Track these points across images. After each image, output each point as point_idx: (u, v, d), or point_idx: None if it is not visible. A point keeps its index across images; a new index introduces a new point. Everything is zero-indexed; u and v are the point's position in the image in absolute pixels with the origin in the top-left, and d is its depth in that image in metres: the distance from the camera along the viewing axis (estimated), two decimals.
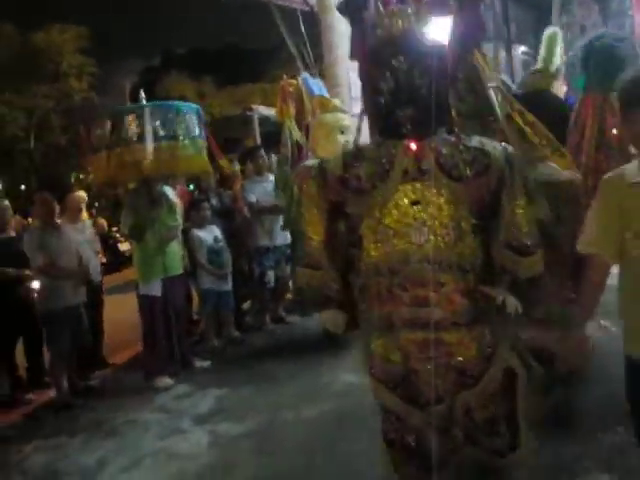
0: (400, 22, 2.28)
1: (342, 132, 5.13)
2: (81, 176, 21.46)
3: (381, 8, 2.39)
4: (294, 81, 6.04)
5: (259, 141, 11.75)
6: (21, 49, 18.00)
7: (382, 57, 2.25)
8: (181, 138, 4.88)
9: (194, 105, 5.48)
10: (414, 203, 2.19)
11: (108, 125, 4.80)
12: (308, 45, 9.12)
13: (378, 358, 2.33)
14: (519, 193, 2.23)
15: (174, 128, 4.82)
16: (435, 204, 2.18)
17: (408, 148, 2.23)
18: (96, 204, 16.30)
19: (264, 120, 11.93)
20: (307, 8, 9.94)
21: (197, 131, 5.14)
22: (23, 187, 21.67)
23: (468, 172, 2.19)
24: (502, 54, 13.32)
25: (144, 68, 43.99)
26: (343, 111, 5.69)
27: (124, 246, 15.09)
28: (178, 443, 4.08)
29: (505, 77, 4.39)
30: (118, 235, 16.14)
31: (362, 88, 2.45)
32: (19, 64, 17.73)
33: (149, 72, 39.47)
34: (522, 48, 13.68)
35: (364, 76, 2.40)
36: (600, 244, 2.03)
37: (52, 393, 5.28)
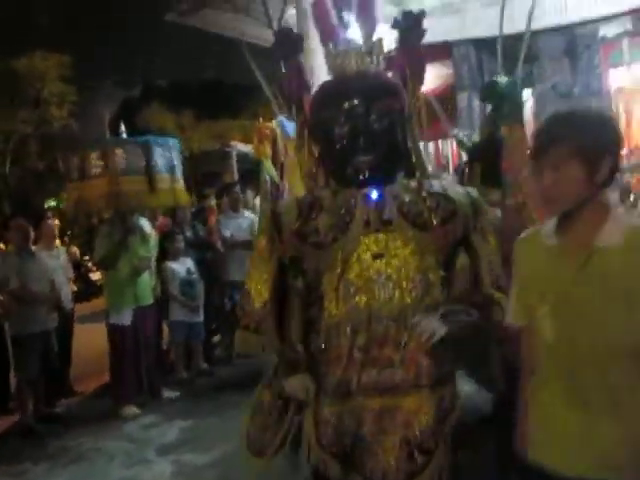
0: (353, 62, 2.16)
1: None
2: (53, 203, 21.37)
3: (331, 47, 2.24)
4: (270, 124, 6.23)
5: (237, 177, 11.95)
6: (3, 74, 18.12)
7: (335, 101, 2.09)
8: (159, 171, 5.03)
9: (172, 139, 5.65)
10: (377, 256, 2.04)
11: (91, 155, 4.91)
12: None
13: (329, 426, 2.09)
14: (490, 236, 2.15)
15: (154, 161, 4.96)
16: (400, 256, 2.03)
17: (368, 197, 2.09)
18: (69, 232, 16.24)
19: (242, 156, 12.16)
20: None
21: (175, 164, 5.28)
22: None
23: (434, 220, 2.06)
24: (476, 102, 13.75)
25: (124, 98, 44.12)
26: None
27: (95, 275, 15.02)
28: (143, 472, 4.12)
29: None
30: (90, 264, 16.06)
31: (313, 134, 2.28)
32: (0, 89, 17.84)
33: (129, 102, 39.58)
34: None
35: (315, 121, 2.22)
36: (516, 314, 1.79)
37: (17, 419, 5.27)
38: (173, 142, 5.46)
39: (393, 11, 9.13)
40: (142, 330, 5.27)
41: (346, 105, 2.07)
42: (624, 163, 8.76)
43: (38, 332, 5.18)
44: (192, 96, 34.73)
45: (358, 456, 2.08)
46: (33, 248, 5.53)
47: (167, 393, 5.62)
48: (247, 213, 6.65)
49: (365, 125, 2.05)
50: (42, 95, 18.70)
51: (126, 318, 5.14)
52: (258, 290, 2.20)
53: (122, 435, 4.83)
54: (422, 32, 2.30)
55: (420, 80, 2.32)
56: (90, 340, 6.60)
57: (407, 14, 2.28)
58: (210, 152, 14.84)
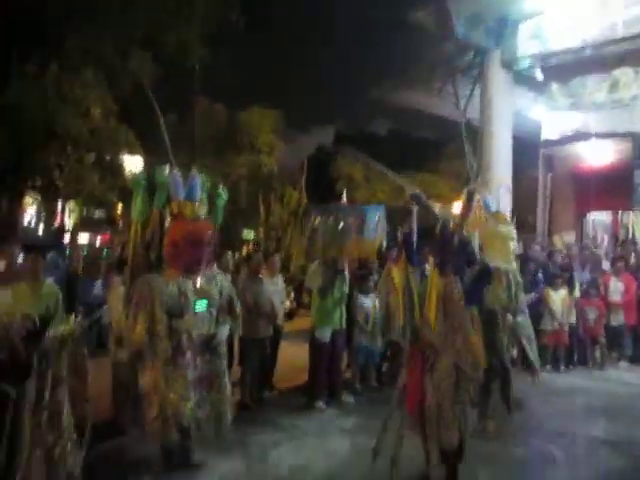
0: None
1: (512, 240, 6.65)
2: (251, 235, 24.33)
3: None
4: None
5: (415, 231, 13.57)
6: (226, 125, 21.73)
7: None
8: (364, 230, 6.91)
9: (378, 206, 7.51)
10: None
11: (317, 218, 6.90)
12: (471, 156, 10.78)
13: None
14: None
15: (363, 223, 6.85)
16: None
17: None
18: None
19: (424, 213, 13.75)
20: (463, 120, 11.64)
21: (378, 225, 7.14)
22: None
23: None
24: None
25: (317, 146, 47.73)
26: (510, 224, 7.18)
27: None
28: (329, 443, 5.84)
29: None
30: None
31: None
32: (223, 137, 21.40)
33: (321, 151, 42.86)
34: None
35: None
36: None
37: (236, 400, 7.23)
38: (380, 209, 7.31)
39: (565, 103, 10.42)
40: (335, 347, 7.07)
41: None
42: None
43: (260, 338, 7.15)
44: (379, 147, 37.21)
45: None
46: (260, 275, 7.56)
47: (345, 397, 7.31)
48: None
49: None
50: (256, 144, 21.99)
51: (326, 336, 6.97)
52: None
53: (312, 419, 6.59)
54: None
55: None
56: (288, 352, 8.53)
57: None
58: (396, 207, 16.61)
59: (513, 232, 6.57)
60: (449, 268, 4.19)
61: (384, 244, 7.35)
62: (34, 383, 3.22)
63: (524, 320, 6.62)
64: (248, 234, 25.09)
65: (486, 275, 4.57)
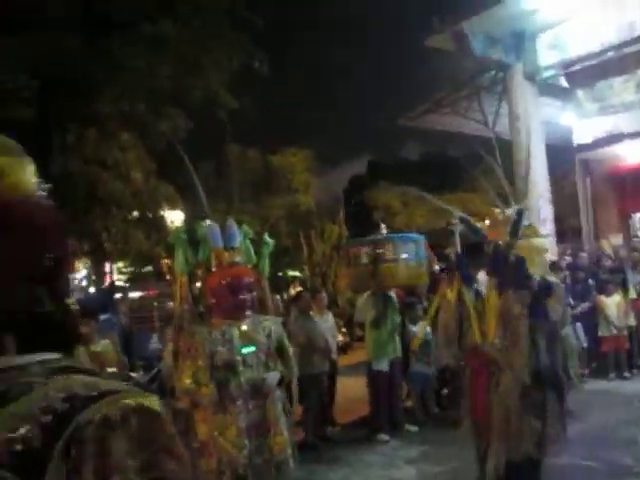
0: None
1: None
2: (297, 273, 24.54)
3: None
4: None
5: (459, 250, 13.60)
6: (262, 168, 22.19)
7: None
8: (408, 259, 6.98)
9: (419, 236, 7.57)
10: None
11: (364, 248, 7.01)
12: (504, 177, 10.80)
13: None
14: None
15: (405, 253, 6.93)
16: None
17: None
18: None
19: (465, 233, 13.79)
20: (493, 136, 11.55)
21: (420, 253, 7.19)
22: None
23: None
24: None
25: (352, 176, 48.21)
26: (544, 236, 7.24)
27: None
28: (394, 474, 5.83)
29: None
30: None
31: None
32: (259, 181, 21.83)
33: (357, 180, 43.19)
34: None
35: None
36: None
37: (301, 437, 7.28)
38: (421, 238, 7.37)
39: (593, 108, 10.36)
40: (393, 377, 7.08)
41: None
42: None
43: (316, 373, 7.21)
44: (413, 172, 37.31)
45: None
46: (311, 313, 7.67)
47: (408, 426, 7.29)
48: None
49: None
50: (292, 185, 22.34)
51: (384, 366, 6.99)
52: None
53: (377, 452, 6.60)
54: None
55: None
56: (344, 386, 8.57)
57: None
58: (436, 229, 16.61)
59: (546, 244, 6.61)
60: (507, 285, 4.26)
61: (430, 270, 7.41)
62: None
63: (567, 332, 6.61)
64: (293, 273, 25.31)
65: (548, 289, 4.67)
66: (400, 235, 7.47)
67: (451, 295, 6.47)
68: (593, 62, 10.36)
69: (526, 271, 4.37)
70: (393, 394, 7.12)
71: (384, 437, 6.93)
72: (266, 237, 5.31)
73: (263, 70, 14.04)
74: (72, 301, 1.10)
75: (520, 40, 10.48)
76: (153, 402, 0.98)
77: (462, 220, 4.59)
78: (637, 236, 14.01)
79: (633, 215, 14.98)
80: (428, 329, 7.75)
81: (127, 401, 0.95)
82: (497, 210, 4.83)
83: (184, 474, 0.96)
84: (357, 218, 23.40)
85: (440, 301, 7.71)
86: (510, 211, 4.67)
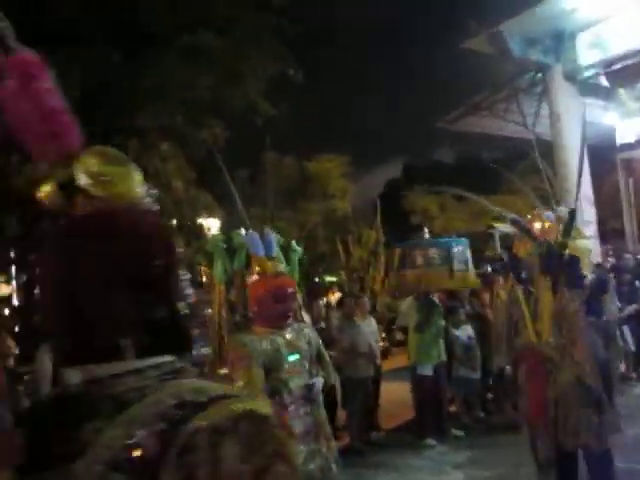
0: None
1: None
2: (333, 279, 24.60)
3: None
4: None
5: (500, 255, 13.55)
6: (298, 175, 22.34)
7: None
8: (456, 263, 6.97)
9: (464, 239, 7.54)
10: None
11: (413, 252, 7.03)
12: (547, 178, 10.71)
13: None
14: None
15: (452, 257, 6.93)
16: None
17: None
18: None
19: (504, 236, 13.71)
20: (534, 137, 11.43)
21: (467, 258, 7.18)
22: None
23: None
24: None
25: (387, 180, 48.04)
26: (587, 237, 7.18)
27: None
28: (443, 479, 5.80)
29: None
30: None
31: None
32: (295, 188, 21.98)
33: (392, 185, 43.00)
34: None
35: None
36: None
37: (345, 442, 7.30)
38: (465, 241, 7.36)
39: (636, 106, 10.14)
40: (438, 382, 7.06)
41: None
42: None
43: (362, 377, 7.23)
44: (449, 175, 37.02)
45: None
46: (355, 318, 7.69)
47: (455, 431, 7.25)
48: None
49: None
50: (328, 191, 22.42)
51: (428, 370, 6.98)
52: None
53: (424, 457, 6.58)
54: None
55: None
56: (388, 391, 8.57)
57: None
58: (476, 233, 16.52)
59: (590, 245, 6.57)
60: (561, 284, 4.31)
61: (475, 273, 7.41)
62: None
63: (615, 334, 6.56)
64: (330, 279, 25.36)
65: (604, 285, 4.72)
66: (447, 239, 7.46)
67: (504, 295, 6.58)
68: (635, 60, 10.18)
69: (580, 270, 4.38)
70: (438, 399, 7.10)
71: (431, 442, 6.91)
72: (294, 244, 5.36)
73: (298, 78, 14.14)
74: (183, 305, 1.15)
75: (559, 40, 10.37)
76: (262, 406, 1.01)
77: (514, 222, 4.59)
78: None
79: None
80: (471, 333, 7.73)
81: (236, 406, 0.97)
82: (541, 212, 4.86)
83: (294, 477, 0.99)
84: (394, 223, 23.34)
85: (496, 302, 7.74)
86: (561, 211, 4.67)
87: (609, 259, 10.94)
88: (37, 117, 1.00)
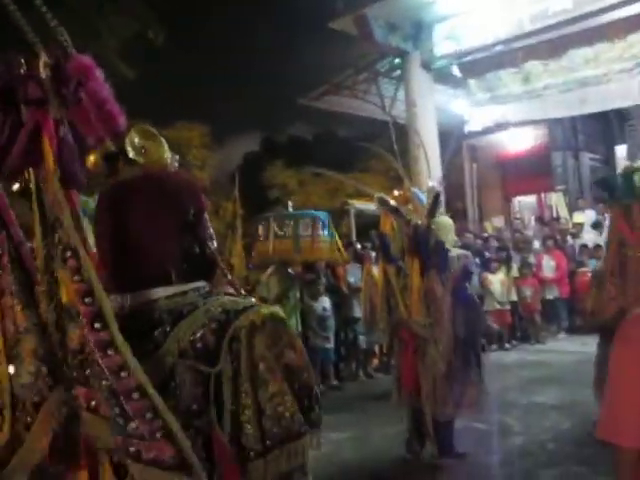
0: None
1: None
2: None
3: None
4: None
5: (354, 231, 14.11)
6: None
7: None
8: (319, 235, 7.17)
9: (326, 214, 7.75)
10: None
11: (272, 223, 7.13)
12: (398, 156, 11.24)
13: None
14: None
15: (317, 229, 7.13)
16: None
17: None
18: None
19: (359, 213, 14.27)
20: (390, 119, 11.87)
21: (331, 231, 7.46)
22: None
23: None
24: (571, 161, 15.13)
25: (245, 154, 47.44)
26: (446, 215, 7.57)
27: None
28: None
29: None
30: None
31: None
32: None
33: (250, 159, 42.64)
34: (589, 155, 15.43)
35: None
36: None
37: None
38: (327, 215, 7.57)
39: (484, 97, 10.95)
40: None
41: None
42: None
43: None
44: (308, 150, 37.34)
45: None
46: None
47: None
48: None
49: None
50: (188, 160, 21.90)
51: None
52: None
53: None
54: None
55: None
56: None
57: None
58: (333, 209, 16.98)
59: (451, 222, 6.99)
60: (429, 266, 4.59)
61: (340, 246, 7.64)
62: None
63: None
64: None
65: (469, 273, 5.14)
66: (310, 212, 7.63)
67: (376, 273, 6.88)
68: (484, 54, 10.97)
69: (447, 254, 4.70)
70: None
71: None
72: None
73: (158, 41, 13.69)
74: (212, 244, 1.49)
75: (418, 29, 10.90)
76: (279, 311, 1.40)
77: (381, 201, 4.82)
78: (517, 218, 15.04)
79: (514, 199, 16.10)
80: (327, 305, 8.04)
81: (263, 311, 1.36)
82: (410, 192, 5.09)
83: (301, 362, 1.36)
84: (252, 197, 23.26)
85: (366, 279, 8.04)
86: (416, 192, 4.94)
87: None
88: (94, 107, 1.21)
